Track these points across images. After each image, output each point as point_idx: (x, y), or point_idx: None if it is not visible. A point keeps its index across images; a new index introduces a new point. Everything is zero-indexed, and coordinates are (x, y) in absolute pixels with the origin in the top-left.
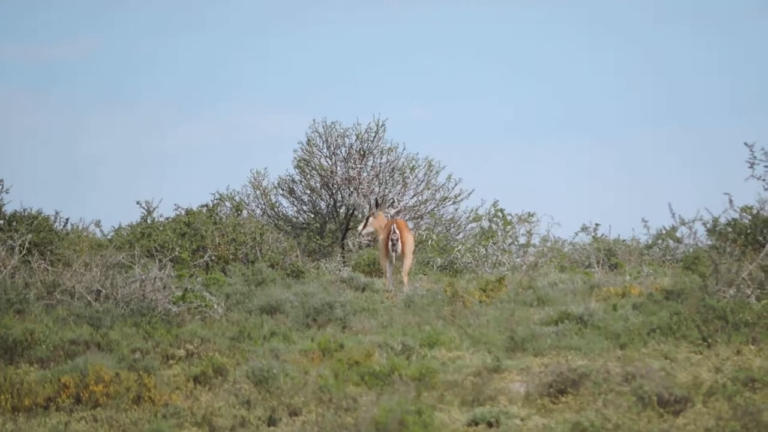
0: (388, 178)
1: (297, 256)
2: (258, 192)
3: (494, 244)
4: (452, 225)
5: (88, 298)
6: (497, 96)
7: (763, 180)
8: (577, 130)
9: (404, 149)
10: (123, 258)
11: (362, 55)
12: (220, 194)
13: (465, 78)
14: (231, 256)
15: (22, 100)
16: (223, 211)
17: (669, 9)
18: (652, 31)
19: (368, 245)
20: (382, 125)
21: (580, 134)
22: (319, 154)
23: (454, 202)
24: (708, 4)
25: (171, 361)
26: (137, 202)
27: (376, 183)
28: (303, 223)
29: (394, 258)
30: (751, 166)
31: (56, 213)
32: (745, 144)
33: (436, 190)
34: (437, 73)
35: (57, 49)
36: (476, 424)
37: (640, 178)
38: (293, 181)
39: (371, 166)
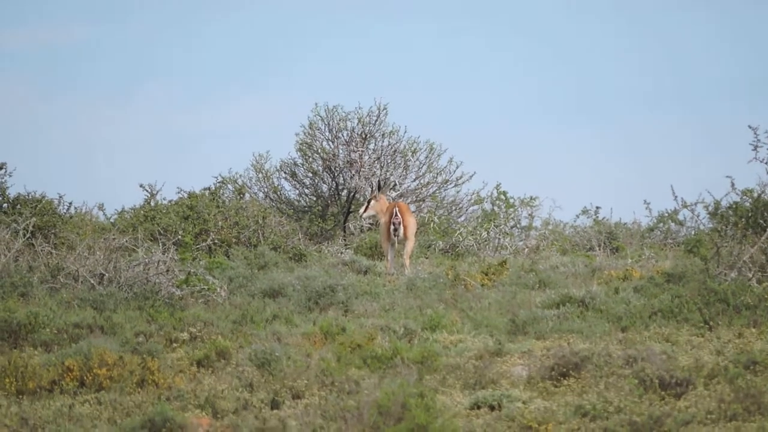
0: (389, 161)
1: (299, 239)
2: (260, 175)
3: (496, 227)
4: (454, 208)
5: (92, 282)
6: (499, 80)
7: (766, 163)
8: (579, 114)
9: (405, 132)
10: (126, 241)
11: (364, 37)
12: (222, 177)
13: (467, 62)
14: (234, 240)
15: (21, 85)
16: (226, 195)
17: None
18: (659, 15)
19: (370, 228)
20: (384, 109)
21: (582, 118)
22: (321, 137)
23: (455, 185)
24: None
25: (174, 345)
26: (140, 185)
27: (378, 166)
28: (305, 207)
29: (396, 241)
30: (755, 149)
31: (60, 196)
32: (749, 127)
33: (437, 173)
34: (439, 56)
35: (56, 35)
36: (478, 407)
37: (642, 162)
38: (295, 164)
39: (373, 149)
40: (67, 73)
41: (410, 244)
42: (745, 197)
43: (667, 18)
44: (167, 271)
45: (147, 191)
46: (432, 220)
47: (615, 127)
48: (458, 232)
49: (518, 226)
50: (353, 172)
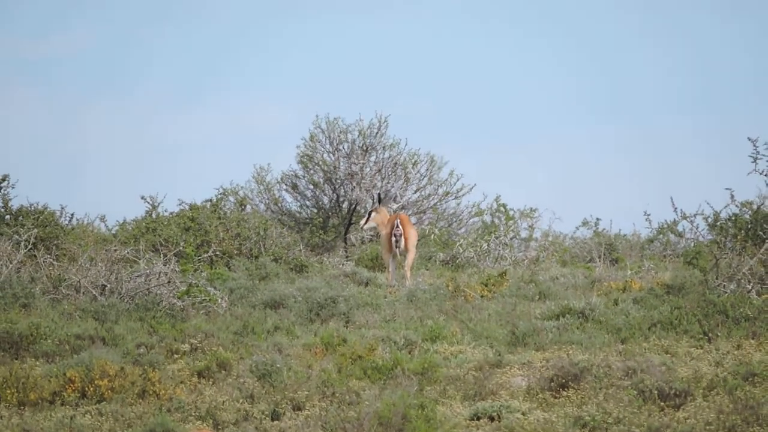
0: (390, 173)
1: (300, 250)
2: (261, 187)
3: (496, 238)
4: (454, 220)
5: (94, 293)
6: (497, 91)
7: (766, 175)
8: (578, 125)
9: (406, 144)
10: (128, 253)
11: (366, 48)
12: (224, 189)
13: (466, 72)
14: (235, 251)
15: (21, 94)
16: (227, 206)
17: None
18: (659, 19)
19: (371, 240)
20: (385, 121)
21: (582, 129)
22: (322, 149)
23: (456, 197)
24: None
25: (175, 356)
26: (142, 197)
27: (379, 178)
28: (306, 218)
29: (397, 253)
30: (754, 161)
31: (62, 208)
32: (749, 139)
33: (438, 185)
34: (439, 66)
35: (54, 42)
36: (478, 418)
37: (641, 173)
38: (296, 176)
39: (374, 162)
40: (62, 80)
41: (411, 256)
42: (744, 209)
43: (668, 22)
44: (168, 282)
45: (148, 203)
46: (433, 232)
47: (614, 139)
48: (458, 243)
49: (518, 237)
50: (354, 184)
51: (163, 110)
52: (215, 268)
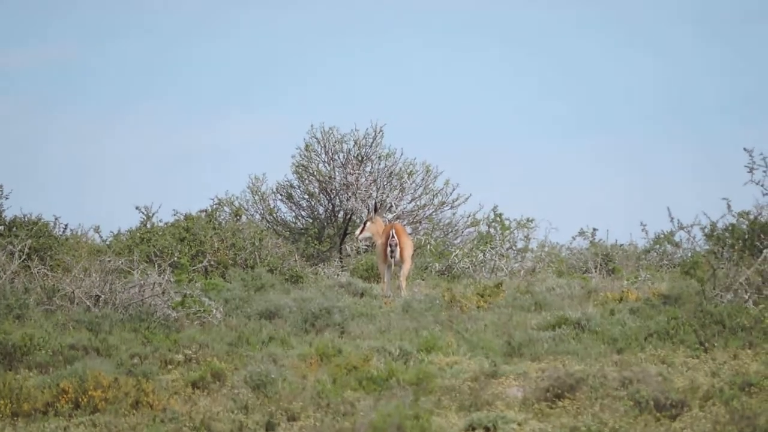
0: (385, 183)
1: (296, 261)
2: (257, 197)
3: (492, 249)
4: (450, 230)
5: (88, 304)
6: (494, 101)
7: (762, 185)
8: (576, 134)
9: (402, 154)
10: (122, 263)
11: (360, 60)
12: (219, 199)
13: (462, 82)
14: (230, 262)
15: (17, 105)
16: (222, 217)
17: (674, 10)
18: (660, 30)
19: (366, 250)
20: (380, 131)
21: (580, 138)
22: (317, 159)
23: (451, 207)
24: (713, 9)
25: (169, 366)
26: (136, 207)
27: (374, 188)
28: (301, 228)
29: (392, 263)
30: (750, 171)
31: (56, 218)
32: (745, 149)
33: (434, 195)
34: (434, 76)
35: (50, 53)
36: (473, 428)
37: (638, 183)
38: (291, 186)
39: (369, 172)
40: (61, 92)
41: (407, 266)
42: (741, 219)
43: (667, 33)
44: (163, 292)
45: (143, 213)
46: (428, 242)
47: (612, 148)
48: (454, 254)
49: (514, 248)
50: (349, 194)
51: (158, 122)
52: (210, 279)
